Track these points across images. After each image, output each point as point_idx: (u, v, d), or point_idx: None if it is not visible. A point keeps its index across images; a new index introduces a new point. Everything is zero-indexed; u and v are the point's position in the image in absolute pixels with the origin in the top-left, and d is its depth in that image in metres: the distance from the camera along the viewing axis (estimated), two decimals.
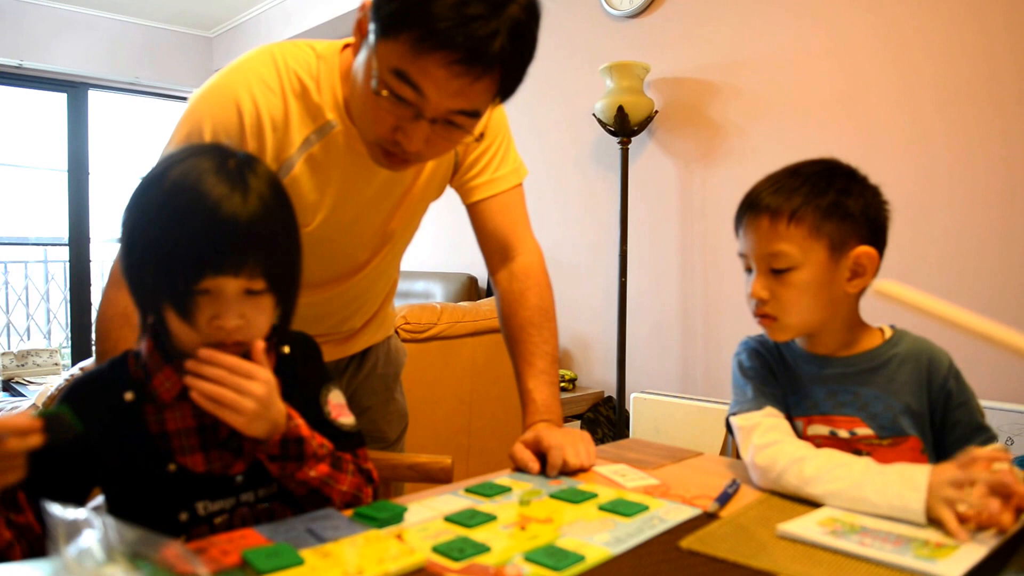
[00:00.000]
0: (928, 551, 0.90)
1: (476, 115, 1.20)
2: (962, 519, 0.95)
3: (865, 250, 1.23)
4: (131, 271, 0.99)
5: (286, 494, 1.08)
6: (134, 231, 0.98)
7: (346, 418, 1.15)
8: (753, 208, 1.26)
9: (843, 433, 1.25)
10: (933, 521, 0.98)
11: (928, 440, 1.25)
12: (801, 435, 1.27)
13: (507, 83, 1.17)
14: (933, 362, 1.25)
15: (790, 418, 1.29)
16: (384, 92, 1.14)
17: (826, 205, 1.22)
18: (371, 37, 1.15)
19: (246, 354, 1.00)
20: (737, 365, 1.35)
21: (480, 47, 1.08)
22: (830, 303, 1.25)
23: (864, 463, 1.09)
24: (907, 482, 1.02)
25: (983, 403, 1.27)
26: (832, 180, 1.25)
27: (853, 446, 1.24)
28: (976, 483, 0.96)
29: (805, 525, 1.00)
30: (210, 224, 0.94)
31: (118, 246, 1.01)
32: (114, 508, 1.04)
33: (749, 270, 1.29)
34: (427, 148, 1.22)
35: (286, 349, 1.13)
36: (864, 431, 1.24)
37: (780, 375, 1.33)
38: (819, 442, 1.25)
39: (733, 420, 1.30)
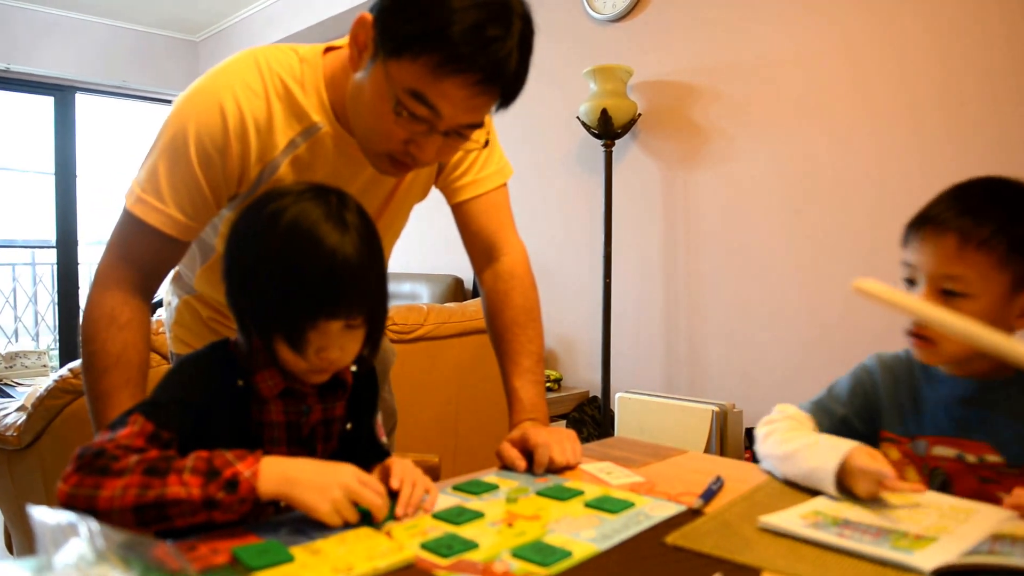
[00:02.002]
0: (907, 542, 0.92)
1: (482, 125, 1.23)
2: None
3: None
4: (244, 303, 1.07)
5: None
6: (250, 271, 1.05)
7: (382, 436, 1.26)
8: (937, 223, 1.18)
9: (971, 458, 1.20)
10: (846, 491, 1.06)
11: None
12: (925, 454, 1.24)
13: (513, 94, 1.20)
14: None
15: (913, 438, 1.26)
16: (402, 112, 1.16)
17: (1020, 236, 1.14)
18: (378, 54, 1.16)
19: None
20: (847, 376, 1.35)
21: (500, 68, 1.12)
22: None
23: (811, 437, 1.17)
24: (834, 450, 1.11)
25: None
26: None
27: (980, 473, 1.19)
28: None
29: (787, 518, 1.01)
30: (329, 273, 1.01)
31: (227, 276, 1.08)
32: None
33: (911, 282, 1.23)
34: (437, 156, 1.25)
35: (354, 368, 1.21)
36: (994, 458, 1.18)
37: (900, 394, 1.29)
38: (944, 464, 1.22)
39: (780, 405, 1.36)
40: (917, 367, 1.29)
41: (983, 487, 1.18)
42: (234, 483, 0.92)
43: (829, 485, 1.10)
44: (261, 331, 1.05)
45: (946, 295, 1.17)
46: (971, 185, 1.23)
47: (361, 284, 1.04)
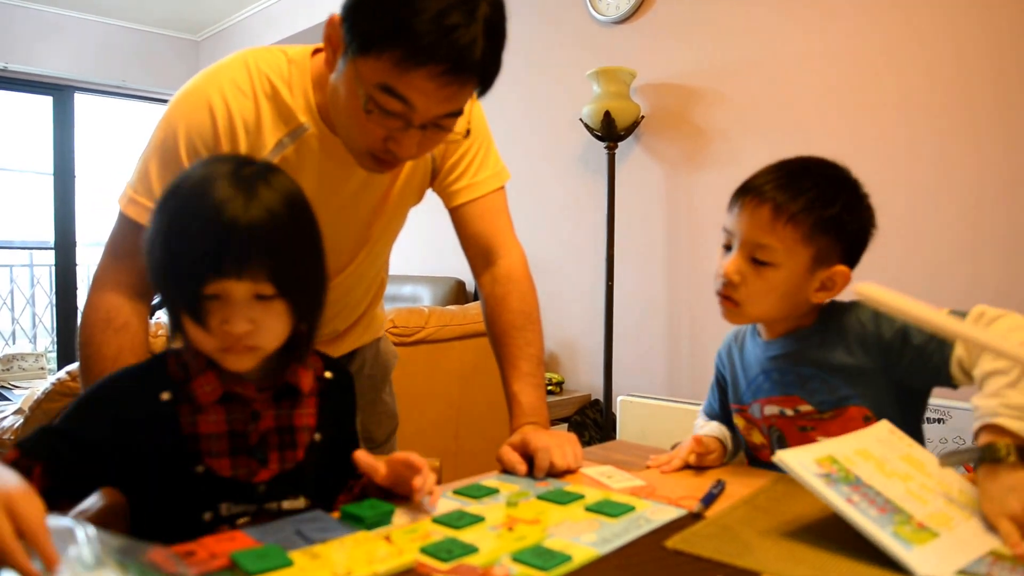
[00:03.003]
0: (909, 531, 0.91)
1: (460, 114, 1.22)
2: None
3: (842, 269, 1.26)
4: (154, 279, 1.03)
5: (316, 509, 1.08)
6: (155, 239, 1.01)
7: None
8: (757, 193, 1.26)
9: (789, 412, 1.30)
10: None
11: (885, 393, 1.25)
12: (760, 416, 1.34)
13: (487, 80, 1.19)
14: (860, 319, 1.26)
15: (748, 403, 1.37)
16: (373, 109, 1.16)
17: (827, 217, 1.23)
18: (348, 53, 1.16)
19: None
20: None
21: (464, 56, 1.10)
22: (792, 305, 1.29)
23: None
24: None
25: (964, 403, 1.28)
26: (839, 191, 1.26)
27: (799, 423, 1.29)
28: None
29: (802, 459, 1.00)
30: (211, 226, 0.96)
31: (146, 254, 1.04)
32: (139, 505, 1.07)
33: (728, 248, 1.30)
34: (419, 150, 1.25)
35: (328, 374, 1.18)
36: (805, 408, 1.28)
37: (737, 365, 1.42)
38: (773, 421, 1.32)
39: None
40: (748, 335, 1.41)
41: (804, 435, 1.28)
42: None
43: None
44: (169, 307, 1.02)
45: (755, 263, 1.25)
46: (792, 162, 1.31)
47: (256, 244, 0.97)
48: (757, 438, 1.37)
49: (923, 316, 0.99)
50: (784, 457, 0.99)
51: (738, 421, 1.41)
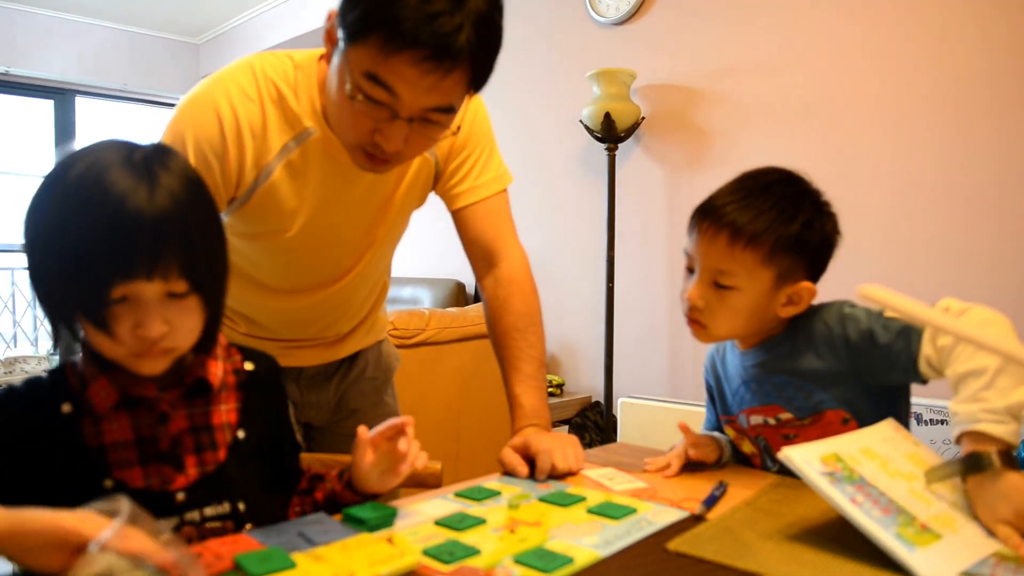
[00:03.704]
0: (912, 532, 0.91)
1: (451, 110, 1.21)
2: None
3: (807, 285, 1.25)
4: (36, 280, 0.93)
5: (240, 515, 1.04)
6: (36, 235, 0.91)
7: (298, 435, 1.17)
8: (715, 218, 1.25)
9: (771, 420, 1.30)
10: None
11: (860, 394, 1.24)
12: (747, 426, 1.34)
13: (477, 75, 1.18)
14: (826, 323, 1.25)
15: (736, 414, 1.37)
16: (359, 96, 1.16)
17: (787, 236, 1.22)
18: (340, 44, 1.17)
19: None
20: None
21: (446, 42, 1.09)
22: (760, 321, 1.29)
23: None
24: None
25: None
26: (799, 208, 1.24)
27: (782, 431, 1.29)
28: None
29: (807, 456, 1.00)
30: (114, 223, 0.86)
31: (24, 249, 0.93)
32: None
33: (691, 270, 1.30)
34: (407, 147, 1.23)
35: (249, 366, 1.11)
36: (786, 415, 1.29)
37: (722, 378, 1.42)
38: (759, 431, 1.33)
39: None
40: (729, 349, 1.41)
41: (788, 443, 1.25)
42: None
43: None
44: (61, 314, 0.92)
45: (718, 287, 1.25)
46: (750, 178, 1.29)
47: (167, 238, 0.88)
48: (747, 447, 1.38)
49: (924, 316, 0.99)
50: (790, 454, 0.99)
51: (728, 431, 1.41)
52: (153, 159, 0.91)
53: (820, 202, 1.28)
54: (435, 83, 1.13)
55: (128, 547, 0.74)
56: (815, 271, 1.28)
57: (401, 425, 1.07)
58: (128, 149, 0.91)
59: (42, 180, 0.91)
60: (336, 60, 1.20)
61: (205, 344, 1.02)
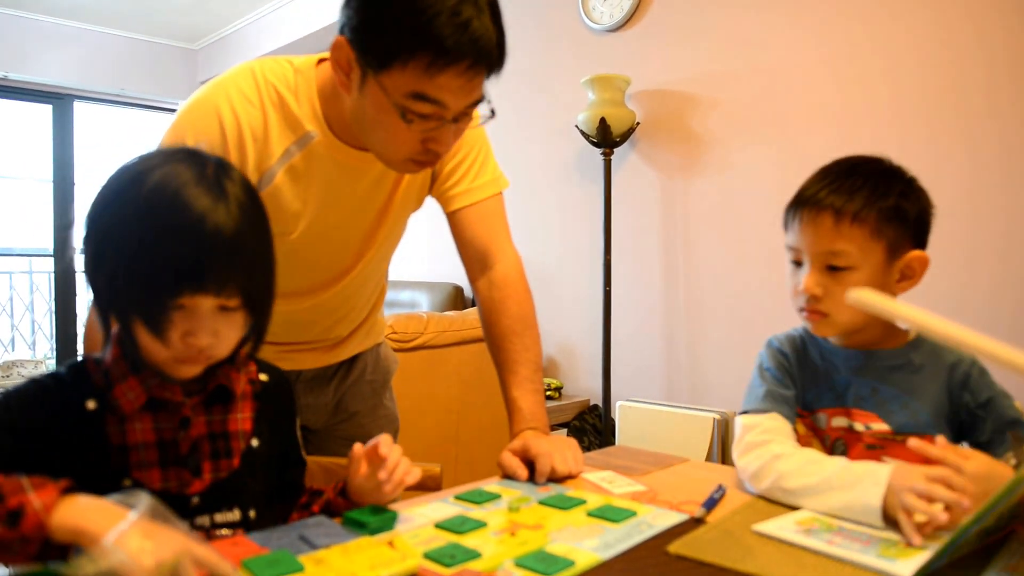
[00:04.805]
0: (894, 551, 0.93)
1: (483, 99, 1.26)
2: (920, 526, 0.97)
3: (918, 254, 1.25)
4: (99, 278, 0.95)
5: (249, 523, 1.06)
6: (107, 237, 0.93)
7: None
8: (813, 204, 1.25)
9: (859, 427, 1.26)
10: (891, 522, 1.01)
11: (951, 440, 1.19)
12: (825, 427, 1.30)
13: (501, 60, 1.22)
14: (953, 365, 1.25)
15: (813, 411, 1.31)
16: (413, 119, 1.19)
17: (888, 208, 1.22)
18: (364, 71, 1.19)
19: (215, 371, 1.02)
20: (757, 365, 1.36)
21: (484, 47, 1.15)
22: None
23: (838, 462, 1.12)
24: (870, 477, 1.05)
25: None
26: (892, 183, 1.25)
27: (867, 440, 1.25)
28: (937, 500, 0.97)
29: (782, 524, 1.02)
30: (192, 239, 0.90)
31: (84, 246, 0.96)
32: None
33: (797, 264, 1.29)
34: (453, 141, 1.28)
35: (264, 377, 1.14)
36: (880, 427, 1.25)
37: (803, 371, 1.34)
38: (840, 434, 1.28)
39: (740, 419, 1.30)
40: (810, 343, 1.36)
41: (870, 454, 1.24)
42: (17, 515, 0.79)
43: (875, 519, 1.03)
44: (118, 312, 0.94)
45: (832, 270, 1.23)
46: (836, 165, 1.30)
47: (235, 257, 0.93)
48: (815, 446, 1.30)
49: (914, 317, 1.00)
50: (763, 528, 1.01)
51: (799, 427, 1.33)
52: (223, 175, 0.96)
53: (907, 177, 1.28)
54: (477, 84, 1.19)
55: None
56: (920, 242, 1.27)
57: (380, 455, 1.08)
58: (198, 163, 0.95)
59: (107, 187, 0.95)
60: (363, 88, 1.22)
61: (240, 359, 1.06)
